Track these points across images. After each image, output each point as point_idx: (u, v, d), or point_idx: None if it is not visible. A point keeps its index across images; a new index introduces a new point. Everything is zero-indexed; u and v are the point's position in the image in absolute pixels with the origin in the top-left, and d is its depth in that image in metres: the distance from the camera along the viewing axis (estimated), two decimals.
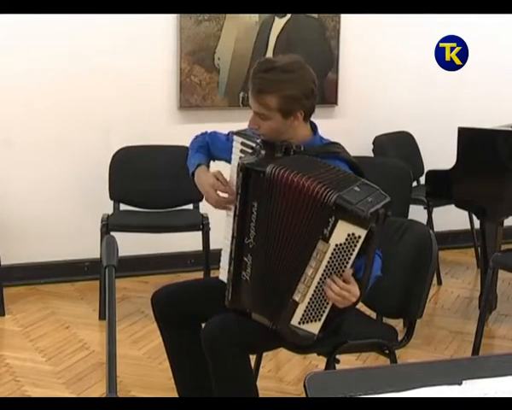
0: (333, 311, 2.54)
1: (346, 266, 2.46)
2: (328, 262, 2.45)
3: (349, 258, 2.44)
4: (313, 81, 2.73)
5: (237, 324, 2.70)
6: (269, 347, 3.01)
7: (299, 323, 2.53)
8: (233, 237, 2.63)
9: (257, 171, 2.53)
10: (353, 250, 2.43)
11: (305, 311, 2.51)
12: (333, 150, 2.78)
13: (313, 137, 2.80)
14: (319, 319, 2.54)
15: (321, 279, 2.47)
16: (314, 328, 2.55)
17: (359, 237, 2.40)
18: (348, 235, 2.40)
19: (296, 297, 2.50)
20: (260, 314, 2.66)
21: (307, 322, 2.53)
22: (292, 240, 2.51)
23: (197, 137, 3.09)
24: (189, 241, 4.91)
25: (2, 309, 4.48)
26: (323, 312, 2.53)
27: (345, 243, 2.41)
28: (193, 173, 2.95)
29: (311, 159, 2.67)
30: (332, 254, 2.43)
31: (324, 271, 2.46)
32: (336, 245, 2.42)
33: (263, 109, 2.68)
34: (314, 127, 2.83)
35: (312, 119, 2.80)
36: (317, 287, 2.48)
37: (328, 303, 2.52)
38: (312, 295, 2.49)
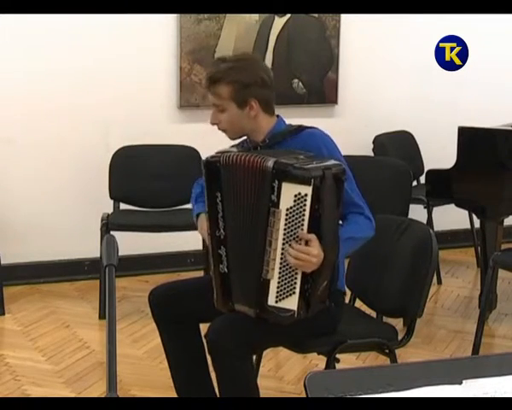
0: (306, 281, 2.55)
1: (302, 230, 2.50)
2: (285, 229, 2.50)
3: (303, 220, 2.48)
4: (264, 71, 2.84)
5: (240, 324, 2.70)
6: (271, 344, 3.02)
7: (276, 301, 2.56)
8: (208, 234, 2.70)
9: (214, 161, 2.65)
10: (304, 211, 2.47)
11: (278, 287, 2.55)
12: (298, 126, 2.86)
13: (276, 124, 2.85)
14: (294, 292, 2.56)
15: (283, 249, 2.52)
16: (291, 303, 2.56)
17: (306, 195, 2.46)
18: (295, 196, 2.47)
19: (265, 274, 2.54)
20: (241, 304, 2.69)
21: (283, 298, 2.56)
22: (250, 218, 2.59)
23: (194, 184, 3.12)
24: (189, 240, 4.90)
25: (2, 308, 4.48)
26: (295, 283, 2.55)
27: (294, 206, 2.48)
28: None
29: (275, 150, 2.73)
30: (286, 219, 2.49)
31: (284, 239, 2.51)
32: (287, 209, 2.48)
33: (217, 99, 2.79)
34: (278, 116, 2.89)
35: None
36: (281, 258, 2.52)
37: (296, 273, 2.54)
38: (280, 268, 2.53)
